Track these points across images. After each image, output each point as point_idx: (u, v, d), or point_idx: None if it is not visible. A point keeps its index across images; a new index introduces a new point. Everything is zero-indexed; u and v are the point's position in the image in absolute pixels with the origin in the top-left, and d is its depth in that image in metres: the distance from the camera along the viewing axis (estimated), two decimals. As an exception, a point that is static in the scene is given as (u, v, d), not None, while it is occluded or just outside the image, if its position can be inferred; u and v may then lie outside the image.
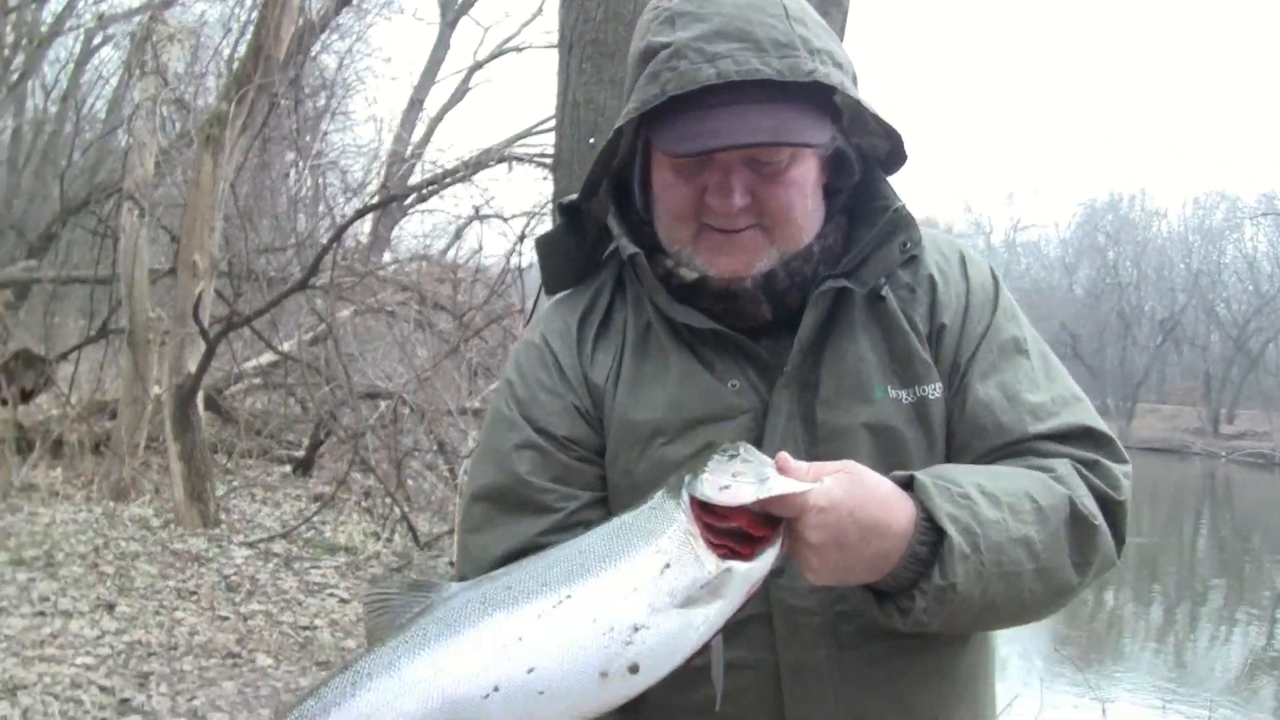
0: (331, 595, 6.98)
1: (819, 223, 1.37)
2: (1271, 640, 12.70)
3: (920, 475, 1.24)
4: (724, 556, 1.12)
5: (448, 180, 10.77)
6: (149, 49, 10.28)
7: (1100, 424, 1.40)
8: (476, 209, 11.97)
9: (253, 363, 11.83)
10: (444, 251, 14.35)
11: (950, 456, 1.38)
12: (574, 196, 1.42)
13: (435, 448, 8.99)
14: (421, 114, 21.62)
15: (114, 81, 17.80)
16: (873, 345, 1.35)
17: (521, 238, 8.47)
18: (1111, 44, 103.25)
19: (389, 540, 8.58)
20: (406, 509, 8.49)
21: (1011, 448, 1.35)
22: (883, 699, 1.34)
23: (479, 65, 21.05)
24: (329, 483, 9.60)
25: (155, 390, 9.43)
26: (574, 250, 1.46)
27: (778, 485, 1.13)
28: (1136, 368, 53.54)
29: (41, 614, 5.94)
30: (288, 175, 12.60)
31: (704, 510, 1.14)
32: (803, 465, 1.18)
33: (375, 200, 9.73)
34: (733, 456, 1.16)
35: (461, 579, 1.29)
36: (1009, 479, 1.29)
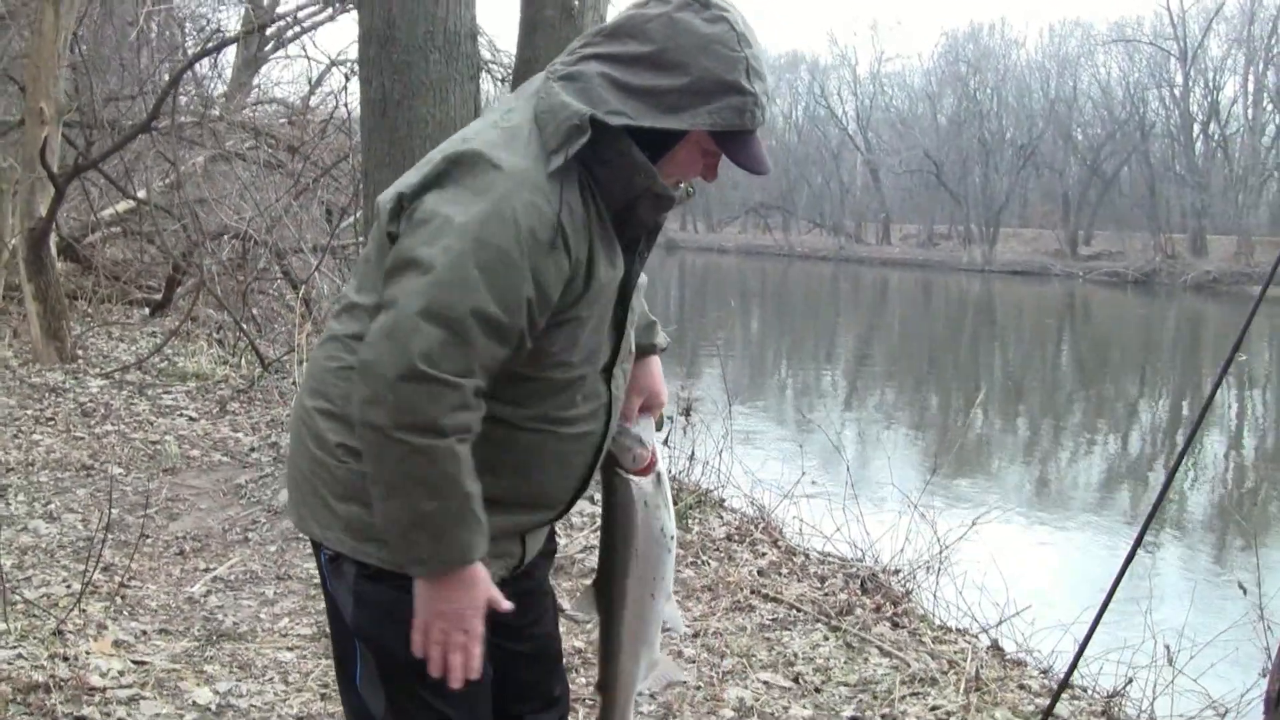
0: (181, 415, 7.53)
1: None
2: (1126, 450, 13.55)
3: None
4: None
5: (287, 22, 10.89)
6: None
7: None
8: (331, 59, 12.12)
9: (109, 210, 12.03)
10: (305, 98, 14.45)
11: None
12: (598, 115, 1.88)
13: (281, 276, 9.43)
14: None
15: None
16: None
17: (346, 79, 8.76)
18: None
19: (237, 365, 9.12)
20: (255, 337, 9.00)
21: None
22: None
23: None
24: (183, 318, 10.03)
25: (11, 240, 9.67)
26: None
27: (648, 438, 2.18)
28: (998, 193, 55.04)
29: (-100, 444, 6.40)
30: (134, 23, 12.55)
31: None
32: (632, 407, 2.17)
33: (210, 44, 9.89)
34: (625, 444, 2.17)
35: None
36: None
